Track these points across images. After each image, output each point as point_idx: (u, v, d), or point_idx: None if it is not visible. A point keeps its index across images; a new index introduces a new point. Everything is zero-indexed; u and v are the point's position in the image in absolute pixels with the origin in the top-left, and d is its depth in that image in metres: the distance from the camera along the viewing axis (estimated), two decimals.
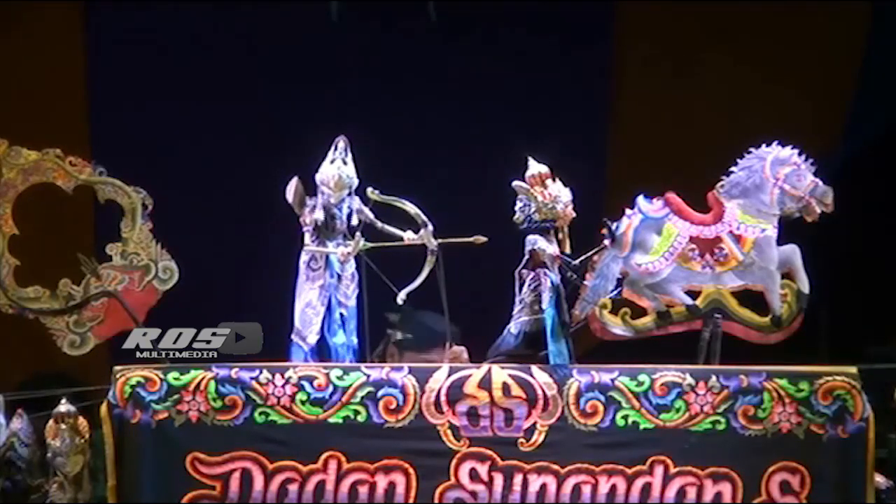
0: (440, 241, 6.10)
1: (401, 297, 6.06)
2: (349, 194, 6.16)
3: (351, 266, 6.15)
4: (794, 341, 6.24)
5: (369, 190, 6.09)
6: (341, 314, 6.13)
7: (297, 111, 8.76)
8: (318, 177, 6.15)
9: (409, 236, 6.12)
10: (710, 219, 6.18)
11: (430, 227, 6.10)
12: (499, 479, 5.83)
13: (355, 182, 6.16)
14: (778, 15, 9.04)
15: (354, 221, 6.14)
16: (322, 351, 6.09)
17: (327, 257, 6.10)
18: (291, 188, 6.13)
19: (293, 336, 6.11)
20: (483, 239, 6.08)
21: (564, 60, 9.06)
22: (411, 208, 6.09)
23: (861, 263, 8.85)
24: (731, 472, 5.86)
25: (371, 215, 6.15)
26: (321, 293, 6.11)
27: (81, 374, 6.87)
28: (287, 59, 9.04)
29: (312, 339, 6.08)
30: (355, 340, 6.16)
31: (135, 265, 6.37)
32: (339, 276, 6.13)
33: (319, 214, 6.12)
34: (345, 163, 6.14)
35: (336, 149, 6.16)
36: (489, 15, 9.10)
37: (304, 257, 6.15)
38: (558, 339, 5.89)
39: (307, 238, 6.14)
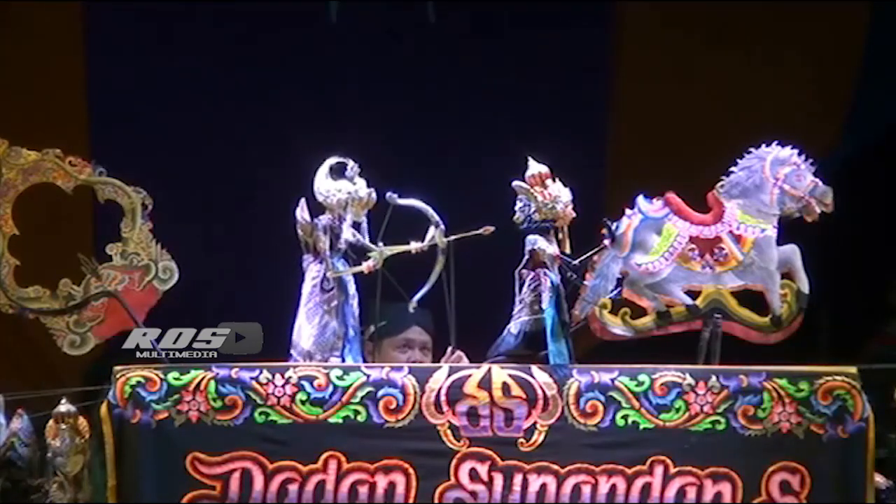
0: (448, 237, 5.99)
1: (412, 305, 6.00)
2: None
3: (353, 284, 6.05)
4: (794, 341, 6.23)
5: (389, 195, 5.99)
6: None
7: (296, 111, 8.77)
8: (339, 196, 5.99)
9: (414, 245, 5.99)
10: (710, 219, 6.17)
11: (442, 227, 6.00)
12: (499, 479, 5.81)
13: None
14: (778, 14, 9.05)
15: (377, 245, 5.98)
16: None
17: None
18: (305, 215, 6.02)
19: (306, 361, 5.91)
20: (491, 228, 5.97)
21: (564, 60, 9.07)
22: (427, 209, 5.98)
23: (861, 263, 8.86)
24: (731, 472, 5.84)
25: (367, 240, 6.02)
26: (338, 313, 6.00)
27: (81, 374, 6.86)
28: (285, 59, 9.05)
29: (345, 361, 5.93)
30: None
31: (135, 265, 6.35)
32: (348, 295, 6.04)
33: (349, 234, 6.01)
34: (366, 183, 6.02)
35: (349, 169, 6.01)
36: (488, 15, 9.11)
37: (313, 279, 5.99)
38: (558, 339, 5.88)
39: (329, 263, 5.97)
